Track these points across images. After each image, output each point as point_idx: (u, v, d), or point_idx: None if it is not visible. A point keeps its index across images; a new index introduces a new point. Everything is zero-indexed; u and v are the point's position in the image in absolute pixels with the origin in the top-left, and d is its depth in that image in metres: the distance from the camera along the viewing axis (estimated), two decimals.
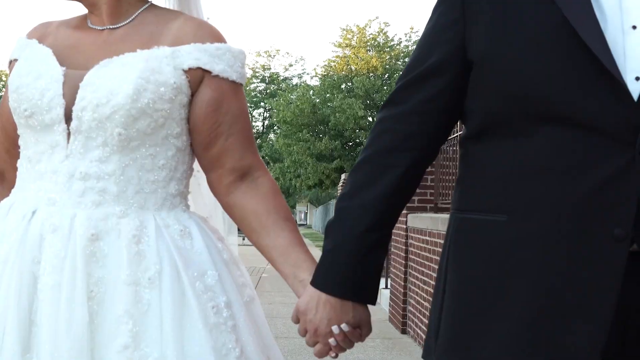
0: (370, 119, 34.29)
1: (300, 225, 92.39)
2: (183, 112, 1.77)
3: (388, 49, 36.51)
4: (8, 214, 1.74)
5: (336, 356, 1.68)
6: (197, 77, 1.77)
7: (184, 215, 1.80)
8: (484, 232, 1.47)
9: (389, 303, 9.05)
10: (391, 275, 9.34)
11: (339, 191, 16.50)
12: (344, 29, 37.41)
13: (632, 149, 1.35)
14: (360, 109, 32.18)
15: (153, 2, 1.91)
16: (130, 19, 1.83)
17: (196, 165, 1.92)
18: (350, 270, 1.59)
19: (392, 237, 9.18)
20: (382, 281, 10.86)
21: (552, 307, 1.39)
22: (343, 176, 16.55)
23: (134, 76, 1.68)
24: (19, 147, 1.84)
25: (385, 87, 34.71)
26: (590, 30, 1.37)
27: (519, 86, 1.42)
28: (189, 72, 1.75)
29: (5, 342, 1.59)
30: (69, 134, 1.71)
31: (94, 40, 1.82)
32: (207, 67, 1.76)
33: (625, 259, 1.35)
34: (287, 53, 63.87)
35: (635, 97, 1.35)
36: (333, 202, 43.34)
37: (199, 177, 1.96)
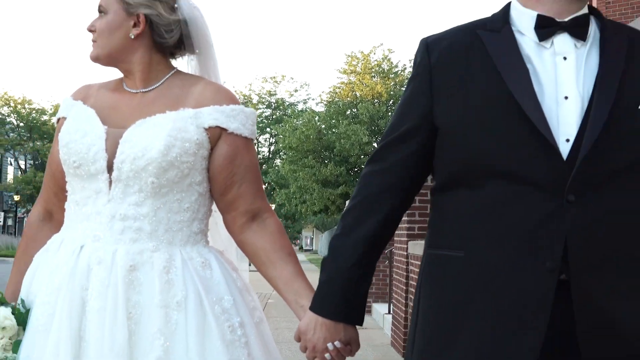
0: (375, 144, 34.59)
1: (307, 250, 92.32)
2: (204, 163, 2.13)
3: (392, 76, 36.82)
4: (59, 249, 2.10)
5: None
6: (216, 134, 2.14)
7: (205, 250, 2.16)
8: (446, 266, 1.82)
9: (391, 328, 9.34)
10: (393, 301, 9.63)
11: None
12: (348, 56, 37.68)
13: (561, 198, 1.69)
14: (365, 135, 32.49)
15: (178, 69, 2.28)
16: (160, 83, 2.21)
17: (214, 206, 2.27)
18: (341, 299, 1.94)
19: (394, 263, 9.52)
20: (385, 307, 11.15)
21: (501, 324, 1.73)
22: (348, 202, 16.79)
23: (164, 134, 2.05)
24: (65, 191, 2.20)
25: (389, 113, 34.98)
26: (529, 102, 1.72)
27: (471, 151, 1.78)
28: (209, 129, 2.12)
29: (59, 355, 1.94)
30: (110, 182, 2.07)
31: (129, 101, 2.19)
32: (223, 126, 2.13)
33: (555, 287, 1.69)
34: (292, 78, 64.43)
35: (565, 156, 1.70)
36: None
37: (216, 216, 2.31)
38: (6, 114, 56.09)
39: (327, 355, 1.97)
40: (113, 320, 1.96)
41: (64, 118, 2.24)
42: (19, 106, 56.50)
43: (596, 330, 1.71)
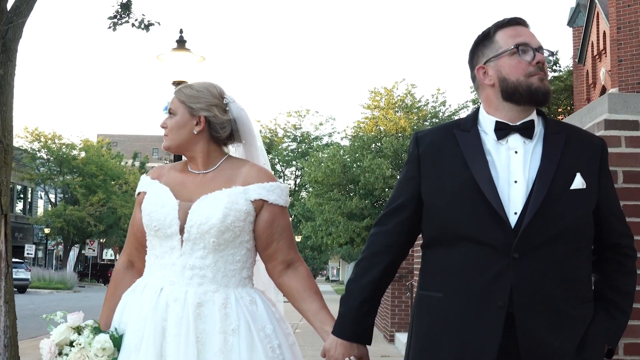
0: (398, 177, 34.99)
1: (333, 281, 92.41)
2: (251, 226, 2.85)
3: (415, 110, 37.14)
4: (144, 291, 2.83)
5: None
6: (259, 204, 2.86)
7: (251, 290, 2.87)
8: (430, 302, 2.51)
9: None
10: None
11: None
12: (372, 91, 38.20)
13: (508, 256, 2.36)
14: (388, 169, 33.00)
15: (230, 154, 3.00)
16: (216, 167, 2.94)
17: (257, 256, 2.98)
18: (354, 326, 2.64)
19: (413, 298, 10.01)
20: (406, 336, 11.74)
21: (466, 348, 2.40)
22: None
23: (222, 207, 2.78)
24: (144, 247, 2.92)
25: None
26: (487, 185, 2.40)
27: (445, 221, 2.47)
28: (254, 201, 2.86)
29: None
30: (182, 241, 2.79)
31: (193, 180, 2.92)
32: (265, 198, 2.86)
33: (504, 319, 2.36)
34: (317, 112, 64.99)
35: (512, 225, 2.38)
36: None
37: (258, 264, 3.01)
38: (37, 149, 57.26)
39: None
40: (186, 343, 2.67)
41: (144, 192, 2.97)
42: (49, 141, 57.65)
43: (534, 354, 2.37)
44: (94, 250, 61.06)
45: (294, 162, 51.95)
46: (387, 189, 33.89)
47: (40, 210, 60.91)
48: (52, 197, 62.36)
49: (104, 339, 2.73)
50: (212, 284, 2.78)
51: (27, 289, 37.67)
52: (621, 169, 3.48)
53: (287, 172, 55.09)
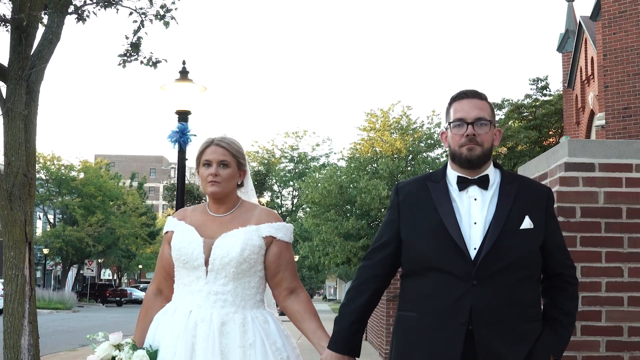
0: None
1: (330, 300, 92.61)
2: (262, 258, 3.42)
3: (411, 132, 37.76)
4: (174, 313, 3.38)
5: None
6: (269, 240, 3.43)
7: (264, 311, 3.44)
8: (406, 322, 3.06)
9: None
10: None
11: None
12: (368, 114, 38.80)
13: (469, 282, 2.92)
14: (384, 190, 33.45)
15: (242, 199, 3.56)
16: (232, 211, 3.50)
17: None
18: (346, 342, 3.18)
19: None
20: None
21: (434, 358, 2.95)
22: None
23: (240, 242, 3.34)
24: (171, 276, 3.47)
25: (409, 168, 35.97)
26: (452, 226, 2.96)
27: (418, 255, 3.02)
28: (265, 238, 3.43)
29: None
30: (207, 272, 3.34)
31: (213, 221, 3.48)
32: (274, 235, 3.44)
33: (465, 334, 2.91)
34: (314, 133, 65.51)
35: (472, 258, 2.93)
36: None
37: (267, 291, 3.55)
38: (36, 170, 57.66)
39: None
40: (212, 356, 3.24)
41: (172, 231, 3.52)
42: (48, 162, 58.14)
43: None
44: (92, 270, 61.34)
45: (291, 183, 52.33)
46: (383, 210, 34.30)
47: (39, 231, 61.26)
48: (50, 217, 62.75)
49: (142, 354, 3.28)
50: (232, 307, 3.34)
51: None
52: (578, 205, 4.04)
53: (284, 192, 55.50)
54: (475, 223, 2.99)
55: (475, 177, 3.06)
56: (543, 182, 4.31)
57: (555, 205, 4.02)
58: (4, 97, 6.25)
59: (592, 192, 4.06)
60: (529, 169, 4.73)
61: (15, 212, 6.14)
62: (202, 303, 3.34)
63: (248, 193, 3.65)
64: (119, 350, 3.33)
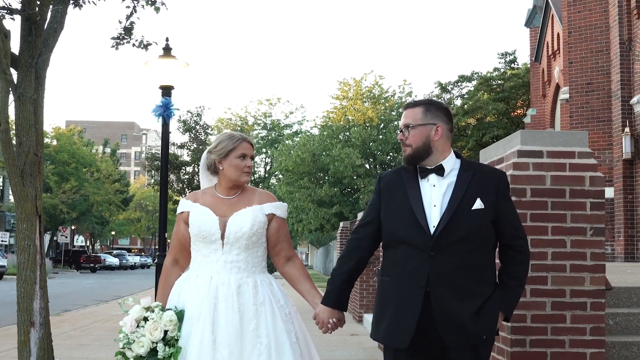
0: (367, 166, 36.03)
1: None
2: (265, 232, 4.10)
3: (383, 101, 38.06)
4: (196, 280, 4.05)
5: (331, 332, 3.91)
6: (270, 217, 4.14)
7: (267, 275, 4.15)
8: (382, 285, 3.76)
9: None
10: None
11: (339, 235, 18.88)
12: (341, 82, 39.08)
13: (428, 253, 3.59)
14: (357, 158, 34.02)
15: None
16: (238, 194, 4.18)
17: None
18: (337, 298, 3.87)
19: None
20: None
21: (399, 313, 3.63)
22: (342, 224, 18.60)
23: (249, 219, 4.04)
24: (187, 249, 4.15)
25: (380, 137, 36.36)
26: (417, 208, 3.64)
27: (391, 232, 3.72)
28: (268, 215, 4.12)
29: (205, 332, 3.88)
30: (222, 244, 4.03)
31: (223, 203, 4.14)
32: (274, 212, 4.15)
33: (423, 295, 3.58)
34: (288, 101, 65.43)
35: (431, 234, 3.59)
36: (333, 243, 44.41)
37: None
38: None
39: (329, 325, 3.89)
40: (232, 311, 3.92)
41: (188, 212, 4.17)
42: None
43: (444, 317, 3.54)
44: (66, 237, 61.65)
45: (264, 150, 52.46)
46: (355, 177, 34.83)
47: (12, 198, 61.17)
48: None
49: (170, 314, 3.94)
50: (245, 272, 4.04)
51: (4, 276, 38.39)
52: (529, 186, 4.75)
53: (257, 159, 55.63)
54: (434, 205, 3.65)
55: (432, 167, 3.72)
56: (499, 166, 5.01)
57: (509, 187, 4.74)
58: (16, 83, 6.82)
59: (541, 176, 4.77)
60: (489, 153, 5.43)
61: (27, 188, 6.73)
62: (220, 270, 4.01)
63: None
64: (151, 312, 3.97)
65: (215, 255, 4.05)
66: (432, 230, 3.61)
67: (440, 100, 32.89)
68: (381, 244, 3.88)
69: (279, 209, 4.19)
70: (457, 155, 3.80)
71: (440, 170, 3.71)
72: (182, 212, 4.22)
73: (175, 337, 3.92)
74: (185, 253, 4.21)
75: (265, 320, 3.95)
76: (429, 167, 3.72)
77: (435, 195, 3.68)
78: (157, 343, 3.90)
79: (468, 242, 3.60)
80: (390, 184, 3.80)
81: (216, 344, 3.85)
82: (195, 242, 4.12)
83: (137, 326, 3.96)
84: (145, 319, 3.97)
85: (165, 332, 3.92)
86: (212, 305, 3.93)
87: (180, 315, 3.97)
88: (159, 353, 3.88)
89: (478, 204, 3.63)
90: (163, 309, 4.00)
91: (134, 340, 3.94)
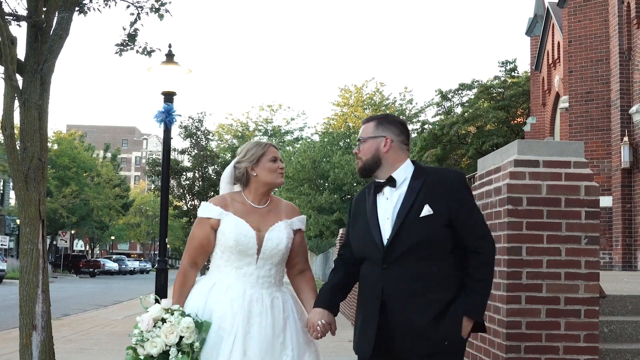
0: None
1: None
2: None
3: (384, 108, 38.39)
4: (227, 291, 4.09)
5: (320, 336, 3.94)
6: (297, 231, 4.23)
7: (286, 288, 4.21)
8: (357, 298, 3.85)
9: None
10: None
11: (338, 241, 18.93)
12: (342, 89, 39.33)
13: (381, 266, 3.65)
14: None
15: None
16: (267, 204, 4.24)
17: None
18: (326, 298, 3.93)
19: None
20: None
21: (364, 322, 3.72)
22: (341, 230, 18.69)
23: (285, 236, 4.12)
24: (207, 254, 4.20)
25: None
26: (373, 222, 3.70)
27: (355, 249, 3.81)
28: (295, 230, 4.21)
29: (235, 345, 3.94)
30: (257, 259, 4.10)
31: (254, 212, 4.19)
32: (300, 227, 4.25)
33: (379, 304, 3.62)
34: (289, 107, 65.54)
35: (385, 247, 3.64)
36: (332, 249, 44.61)
37: None
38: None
39: (318, 327, 3.91)
40: (265, 327, 3.99)
41: (218, 220, 4.17)
42: None
43: (401, 325, 3.56)
44: (65, 242, 61.62)
45: None
46: (355, 184, 34.97)
47: (12, 202, 61.32)
48: None
49: (189, 321, 3.92)
50: (274, 287, 4.13)
51: (4, 280, 38.43)
52: (525, 195, 4.83)
53: None
54: (387, 218, 3.70)
55: (384, 180, 3.77)
56: (496, 175, 5.10)
57: (505, 196, 4.82)
58: (21, 89, 6.91)
59: (537, 185, 4.84)
60: (487, 162, 5.52)
61: (31, 193, 6.79)
62: (254, 284, 4.07)
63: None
64: (170, 314, 3.95)
65: (248, 269, 4.10)
66: (385, 243, 3.66)
67: (440, 107, 33.08)
68: None
69: (304, 223, 4.33)
70: (414, 163, 3.83)
71: (392, 182, 3.75)
72: (210, 218, 4.19)
73: (192, 346, 3.93)
74: (205, 256, 4.24)
75: (290, 332, 4.05)
76: (382, 181, 3.77)
77: (388, 208, 3.72)
78: (170, 347, 3.89)
79: (420, 251, 3.60)
80: (357, 204, 3.91)
81: (246, 357, 3.93)
82: (226, 251, 4.14)
83: (154, 325, 3.94)
84: (163, 320, 3.95)
85: (181, 337, 3.89)
86: (246, 320, 3.98)
87: (206, 326, 3.97)
88: (170, 357, 3.88)
89: (426, 211, 3.60)
90: (183, 314, 3.98)
91: (148, 339, 3.91)
